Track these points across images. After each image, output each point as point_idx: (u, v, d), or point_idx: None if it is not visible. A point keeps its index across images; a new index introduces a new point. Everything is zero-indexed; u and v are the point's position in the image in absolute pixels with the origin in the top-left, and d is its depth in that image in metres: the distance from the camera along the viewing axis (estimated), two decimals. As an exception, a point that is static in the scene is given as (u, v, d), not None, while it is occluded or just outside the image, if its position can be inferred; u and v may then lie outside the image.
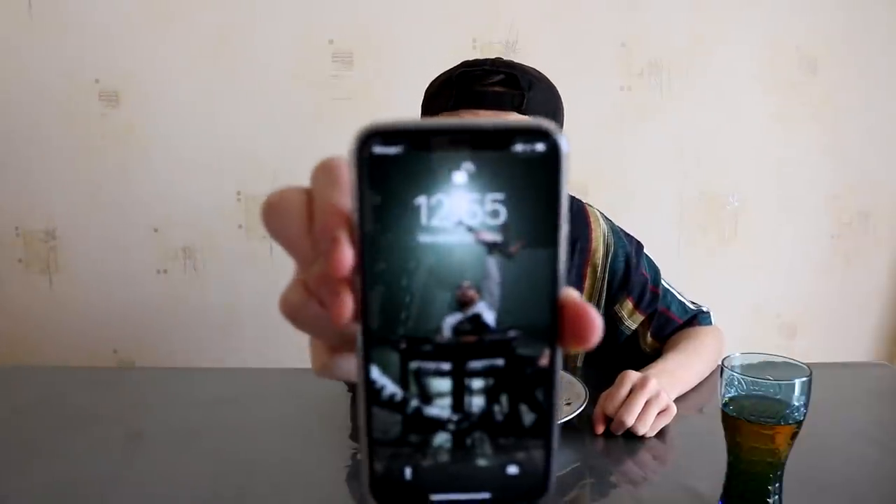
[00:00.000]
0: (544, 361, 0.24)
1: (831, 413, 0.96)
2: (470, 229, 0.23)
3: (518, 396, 0.24)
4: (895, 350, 2.04)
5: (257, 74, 1.74)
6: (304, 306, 0.24)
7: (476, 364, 0.24)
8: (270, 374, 1.18)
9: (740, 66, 1.84)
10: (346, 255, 0.22)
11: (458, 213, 0.23)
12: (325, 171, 0.24)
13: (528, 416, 0.24)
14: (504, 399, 0.24)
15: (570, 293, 0.24)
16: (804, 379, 0.67)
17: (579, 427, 0.92)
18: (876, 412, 1.04)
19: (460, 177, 0.23)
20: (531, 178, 0.23)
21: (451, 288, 0.23)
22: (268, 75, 1.74)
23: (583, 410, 0.91)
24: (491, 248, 0.23)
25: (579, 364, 1.19)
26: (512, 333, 0.24)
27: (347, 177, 0.23)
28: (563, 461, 0.86)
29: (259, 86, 1.74)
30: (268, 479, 0.81)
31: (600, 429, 0.91)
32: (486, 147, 0.23)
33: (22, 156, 1.74)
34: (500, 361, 0.24)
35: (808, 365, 0.69)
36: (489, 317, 0.24)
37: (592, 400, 0.94)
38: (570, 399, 0.96)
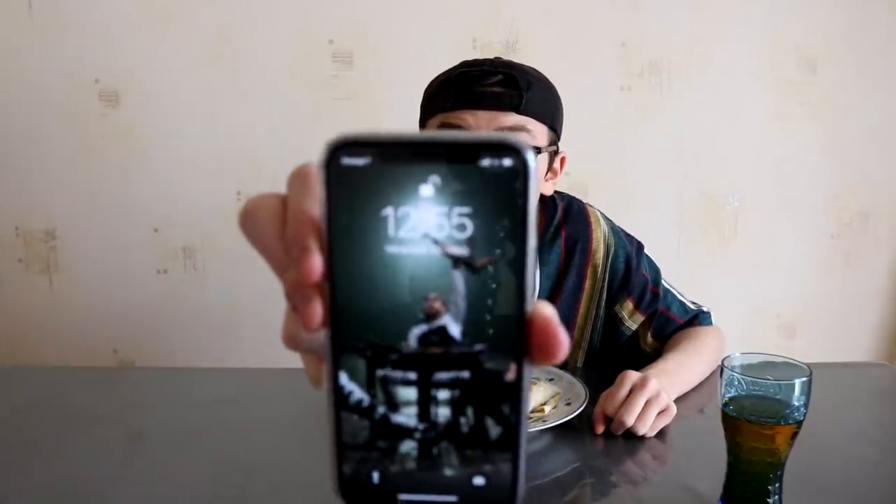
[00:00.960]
0: (510, 376, 0.24)
1: (831, 413, 0.96)
2: (436, 242, 0.23)
3: (484, 409, 0.24)
4: (895, 350, 2.04)
5: (257, 74, 1.74)
6: (301, 333, 0.25)
7: (442, 375, 0.24)
8: (270, 374, 1.18)
9: (740, 65, 1.84)
10: (316, 263, 0.23)
11: (425, 226, 0.23)
12: (298, 178, 0.24)
13: (494, 430, 0.24)
14: (470, 411, 0.24)
15: (539, 307, 0.24)
16: (804, 379, 0.67)
17: (579, 427, 0.92)
18: (876, 412, 1.04)
19: (427, 190, 0.23)
20: (498, 193, 0.23)
21: (417, 299, 0.23)
22: (267, 75, 1.74)
23: (583, 410, 0.91)
24: (457, 261, 0.23)
25: (579, 364, 1.19)
26: (478, 347, 0.24)
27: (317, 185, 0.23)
28: (563, 461, 0.86)
29: (259, 86, 1.74)
30: (268, 479, 0.81)
31: (600, 429, 0.91)
32: (454, 161, 0.23)
33: (22, 156, 1.74)
34: (465, 374, 0.24)
35: (808, 365, 0.69)
36: (455, 329, 0.24)
37: (592, 400, 0.94)
38: (570, 399, 0.96)
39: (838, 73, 1.87)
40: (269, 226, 0.25)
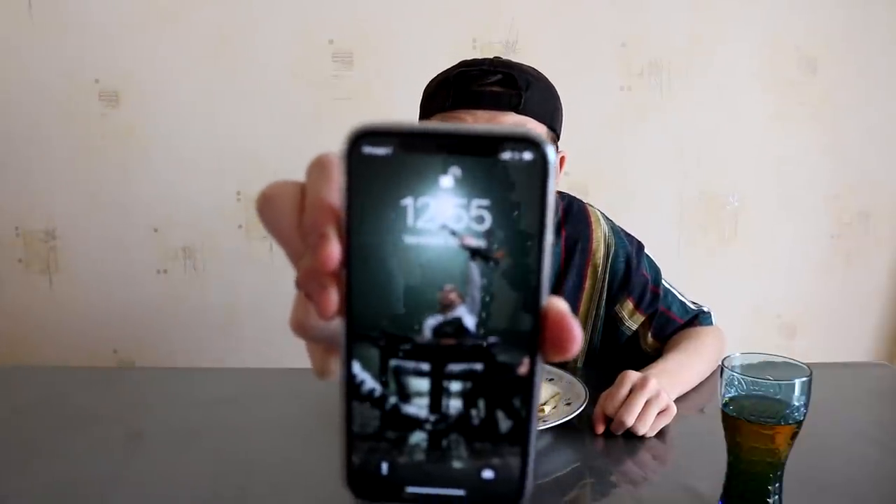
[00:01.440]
0: (523, 369, 0.24)
1: (831, 413, 0.96)
2: (453, 233, 0.23)
3: (495, 402, 0.24)
4: (895, 350, 2.04)
5: (257, 74, 1.74)
6: (310, 321, 0.25)
7: (455, 367, 0.24)
8: (270, 374, 1.18)
9: (740, 65, 1.84)
10: (334, 251, 0.23)
11: (444, 217, 0.23)
12: (318, 166, 0.24)
13: (504, 423, 0.24)
14: (481, 404, 0.24)
15: (553, 302, 0.24)
16: (804, 379, 0.67)
17: (579, 427, 0.92)
18: (876, 412, 1.04)
19: (447, 181, 0.23)
20: (517, 187, 0.23)
21: (433, 290, 0.24)
22: (268, 75, 1.74)
23: (583, 410, 0.91)
24: (474, 253, 0.23)
25: (579, 364, 1.19)
26: (492, 339, 0.24)
27: (337, 173, 0.23)
28: (563, 461, 0.86)
29: (259, 86, 1.74)
30: (268, 479, 0.81)
31: (600, 429, 0.91)
32: (474, 153, 0.23)
33: (22, 156, 1.74)
34: (478, 366, 0.24)
35: (808, 365, 0.69)
36: (469, 321, 0.24)
37: (592, 400, 0.94)
38: (570, 399, 0.96)
39: (839, 73, 1.87)
40: (287, 212, 0.25)
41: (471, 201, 0.23)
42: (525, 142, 0.23)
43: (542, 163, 0.23)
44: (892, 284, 2.01)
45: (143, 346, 1.85)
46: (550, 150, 0.23)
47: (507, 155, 0.23)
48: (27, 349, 1.83)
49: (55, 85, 1.71)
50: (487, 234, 0.23)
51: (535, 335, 0.24)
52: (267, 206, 0.25)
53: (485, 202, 0.23)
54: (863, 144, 1.92)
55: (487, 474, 0.24)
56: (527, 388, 0.24)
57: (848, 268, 1.99)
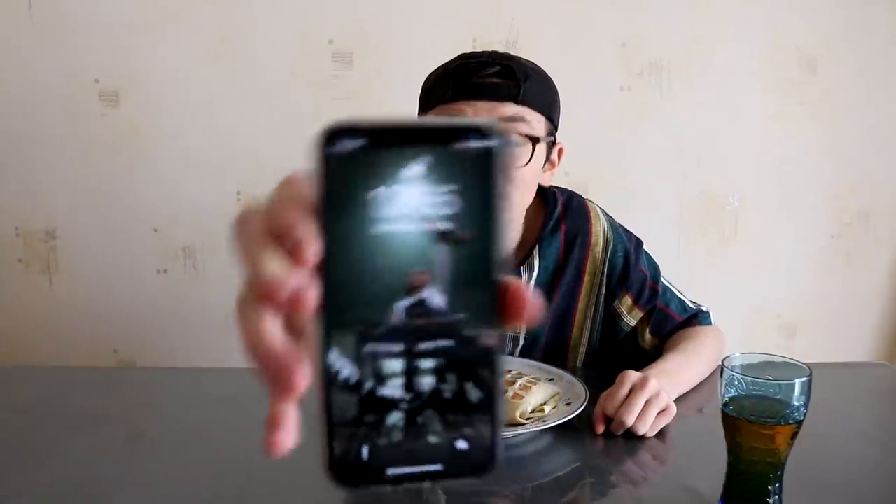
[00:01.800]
0: (489, 341, 0.26)
1: (831, 413, 0.96)
2: (422, 219, 0.25)
3: (465, 375, 0.26)
4: (895, 350, 2.04)
5: (257, 74, 1.74)
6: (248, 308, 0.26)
7: (426, 345, 0.26)
8: (270, 374, 1.17)
9: (740, 65, 1.84)
10: (313, 249, 0.24)
11: (412, 205, 0.25)
12: (284, 182, 0.26)
13: (474, 393, 0.26)
14: (452, 378, 0.26)
15: (510, 278, 0.26)
16: (804, 379, 0.67)
17: (579, 427, 0.92)
18: (876, 412, 1.04)
19: (414, 170, 0.25)
20: (477, 172, 0.25)
21: (403, 274, 0.25)
22: (268, 75, 1.74)
23: (583, 410, 0.91)
24: (440, 236, 0.25)
25: (579, 364, 1.19)
26: (460, 315, 0.26)
27: (306, 186, 0.25)
28: (563, 461, 0.86)
29: (259, 86, 1.74)
30: (268, 479, 0.81)
31: (600, 429, 0.91)
32: (437, 143, 0.25)
33: (22, 156, 1.74)
34: (448, 342, 0.26)
35: (808, 365, 0.69)
36: (439, 300, 0.25)
37: (592, 400, 0.94)
38: (570, 399, 0.96)
39: (839, 73, 1.87)
40: (254, 221, 0.26)
41: (435, 188, 0.25)
42: (482, 130, 0.25)
43: (499, 148, 0.25)
44: (892, 284, 2.01)
45: (143, 346, 1.85)
46: (506, 136, 0.25)
47: (466, 143, 0.25)
48: (27, 349, 1.83)
49: (56, 85, 1.71)
50: (453, 218, 0.25)
51: (497, 307, 0.26)
52: (239, 222, 0.26)
53: (448, 188, 0.25)
54: (863, 144, 1.92)
55: (461, 445, 0.26)
56: (493, 357, 0.26)
57: (848, 268, 1.98)
